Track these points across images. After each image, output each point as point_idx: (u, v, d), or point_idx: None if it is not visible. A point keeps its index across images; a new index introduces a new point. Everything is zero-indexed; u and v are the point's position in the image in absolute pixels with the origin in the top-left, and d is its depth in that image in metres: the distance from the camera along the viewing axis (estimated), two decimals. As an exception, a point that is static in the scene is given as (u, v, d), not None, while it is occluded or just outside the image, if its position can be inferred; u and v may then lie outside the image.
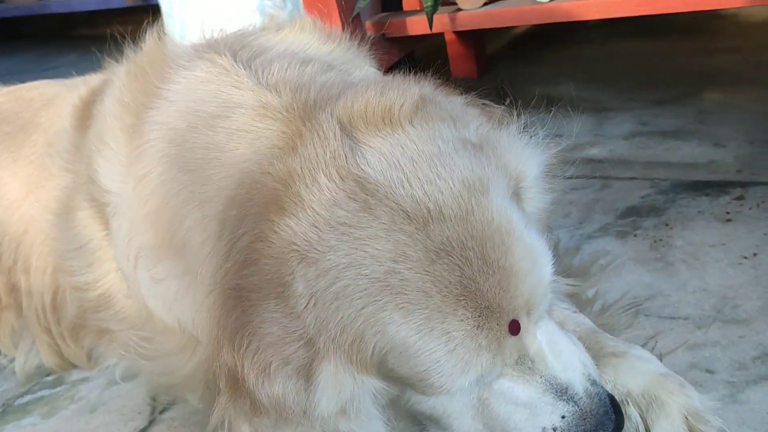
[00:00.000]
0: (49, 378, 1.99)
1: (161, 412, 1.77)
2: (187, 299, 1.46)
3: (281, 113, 1.29)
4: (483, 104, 1.57)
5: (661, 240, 2.15)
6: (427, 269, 1.10)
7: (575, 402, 1.20)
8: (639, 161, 2.68)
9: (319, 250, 1.12)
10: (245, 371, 1.17)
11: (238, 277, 1.20)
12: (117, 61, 1.87)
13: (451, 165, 1.16)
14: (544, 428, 1.20)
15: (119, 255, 1.62)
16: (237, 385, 1.20)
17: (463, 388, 1.19)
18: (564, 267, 1.83)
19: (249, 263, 1.18)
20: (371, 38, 1.95)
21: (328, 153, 1.16)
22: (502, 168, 1.24)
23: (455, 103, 1.37)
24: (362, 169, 1.14)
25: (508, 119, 1.44)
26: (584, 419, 1.19)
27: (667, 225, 2.23)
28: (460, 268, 1.10)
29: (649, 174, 2.56)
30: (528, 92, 3.58)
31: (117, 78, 1.70)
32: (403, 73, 1.43)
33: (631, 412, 1.34)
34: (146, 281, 1.55)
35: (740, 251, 2.03)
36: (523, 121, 1.41)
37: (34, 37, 8.02)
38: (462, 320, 1.11)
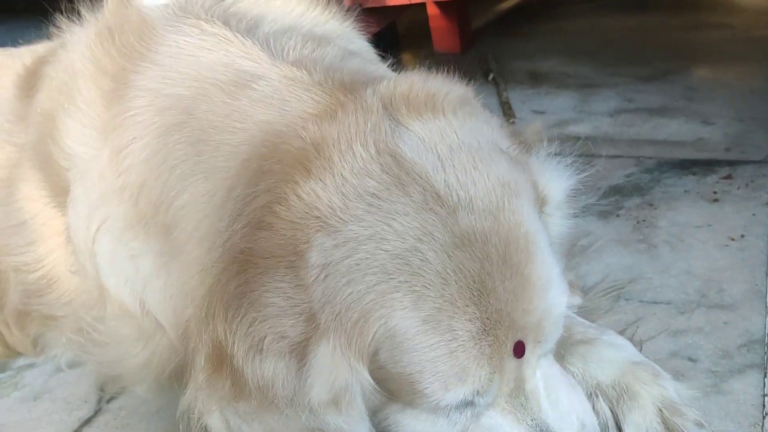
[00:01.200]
0: (-7, 364, 1.88)
1: (108, 402, 1.66)
2: (160, 281, 1.36)
3: (316, 87, 1.24)
4: (514, 130, 1.49)
5: (644, 220, 2.05)
6: (450, 254, 1.05)
7: None
8: (624, 139, 2.58)
9: (341, 219, 1.07)
10: (236, 345, 1.09)
11: (249, 239, 1.11)
12: (72, 23, 1.75)
13: (488, 161, 1.13)
14: None
15: (74, 225, 1.49)
16: (221, 362, 1.12)
17: (452, 405, 1.09)
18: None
19: (263, 226, 1.10)
20: (349, 9, 1.85)
21: (369, 125, 1.12)
22: (533, 185, 1.21)
23: (494, 117, 1.35)
24: (399, 146, 1.11)
25: (538, 145, 1.37)
26: None
27: (651, 205, 2.13)
28: (480, 261, 1.06)
29: (634, 152, 2.46)
30: (513, 68, 3.47)
31: (84, 39, 1.57)
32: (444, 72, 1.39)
33: (600, 407, 1.25)
34: (108, 256, 1.43)
35: (727, 232, 1.94)
36: (552, 148, 1.36)
37: None
38: (471, 320, 1.05)
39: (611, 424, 1.23)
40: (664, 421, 1.22)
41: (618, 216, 2.10)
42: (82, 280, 1.55)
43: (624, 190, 2.22)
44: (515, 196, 1.12)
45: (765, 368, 1.47)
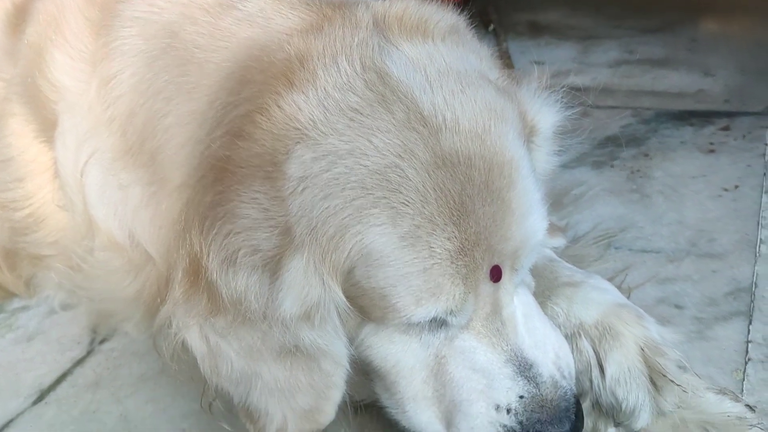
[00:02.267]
0: (-12, 307, 1.90)
1: (101, 343, 1.68)
2: (148, 211, 1.35)
3: (302, 5, 1.22)
4: (504, 64, 1.46)
5: (638, 171, 2.04)
6: (431, 173, 1.03)
7: (537, 385, 1.10)
8: (622, 90, 2.55)
9: (322, 132, 1.05)
10: (210, 257, 1.07)
11: (227, 148, 1.10)
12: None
13: (476, 86, 1.12)
14: (498, 406, 1.10)
15: (62, 158, 1.48)
16: (197, 276, 1.11)
17: (424, 324, 1.09)
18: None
19: (243, 135, 1.09)
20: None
21: (356, 40, 1.11)
22: (520, 115, 1.19)
23: (484, 48, 1.33)
24: (387, 64, 1.10)
25: (529, 78, 1.35)
26: (542, 407, 1.09)
27: (646, 155, 2.11)
28: (462, 183, 1.04)
29: (632, 103, 2.43)
30: (513, 19, 3.41)
31: None
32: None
33: (583, 345, 1.24)
34: (97, 189, 1.42)
35: (721, 183, 1.93)
36: (543, 82, 1.33)
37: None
38: (449, 239, 1.03)
39: (594, 362, 1.23)
40: (646, 361, 1.21)
41: (612, 166, 2.09)
42: (70, 216, 1.54)
43: (620, 141, 2.20)
44: (502, 121, 1.10)
45: (750, 316, 1.48)
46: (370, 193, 1.03)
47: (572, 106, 1.34)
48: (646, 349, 1.22)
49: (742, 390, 1.31)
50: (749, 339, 1.42)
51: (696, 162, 2.03)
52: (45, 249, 1.65)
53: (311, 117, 1.06)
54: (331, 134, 1.05)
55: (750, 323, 1.46)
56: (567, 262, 1.50)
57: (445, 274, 1.04)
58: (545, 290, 1.32)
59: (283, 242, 1.06)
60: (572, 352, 1.23)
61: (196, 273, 1.11)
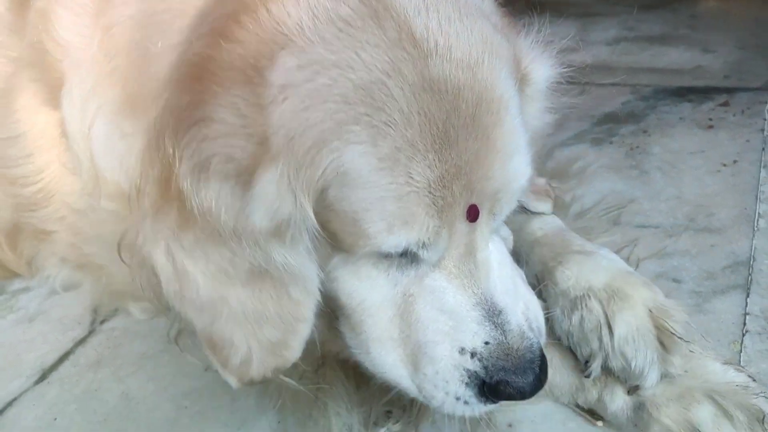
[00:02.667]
0: (-11, 288, 1.90)
1: (102, 323, 1.69)
2: None
3: None
4: (507, 12, 1.44)
5: (637, 147, 2.04)
6: (417, 95, 0.99)
7: (504, 332, 1.08)
8: (621, 67, 2.53)
9: (309, 39, 1.01)
10: (183, 163, 1.03)
11: (210, 46, 1.05)
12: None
13: (473, 18, 1.07)
14: (463, 349, 1.08)
15: (69, 115, 1.44)
16: (167, 185, 1.06)
17: (394, 256, 1.06)
18: (537, 171, 1.73)
19: (226, 35, 1.04)
20: None
21: None
22: (515, 59, 1.14)
23: None
24: None
25: (528, 31, 1.33)
26: (507, 356, 1.07)
27: (645, 132, 2.11)
28: (447, 112, 1.00)
29: (631, 80, 2.42)
30: (512, -4, 3.38)
31: None
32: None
33: (593, 306, 1.24)
34: (102, 141, 1.39)
35: (720, 159, 1.92)
36: (542, 35, 1.30)
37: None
38: (430, 167, 1.00)
39: (603, 321, 1.22)
40: (654, 321, 1.21)
41: (611, 143, 2.08)
42: (77, 180, 1.49)
43: (618, 118, 2.20)
44: (496, 57, 1.06)
45: (748, 289, 1.48)
46: (353, 108, 0.99)
47: (569, 65, 1.31)
48: (654, 311, 1.22)
49: (740, 361, 1.32)
50: (747, 311, 1.42)
51: (695, 138, 2.03)
52: (52, 225, 1.63)
53: (299, 23, 1.02)
54: (318, 43, 1.01)
55: (748, 296, 1.46)
56: (577, 234, 1.51)
57: (420, 204, 1.00)
58: (557, 256, 1.33)
59: (258, 152, 1.01)
60: (581, 313, 1.24)
61: (167, 182, 1.06)
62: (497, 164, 1.04)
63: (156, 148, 1.07)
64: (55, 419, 1.42)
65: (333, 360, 1.32)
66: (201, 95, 1.04)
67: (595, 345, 1.21)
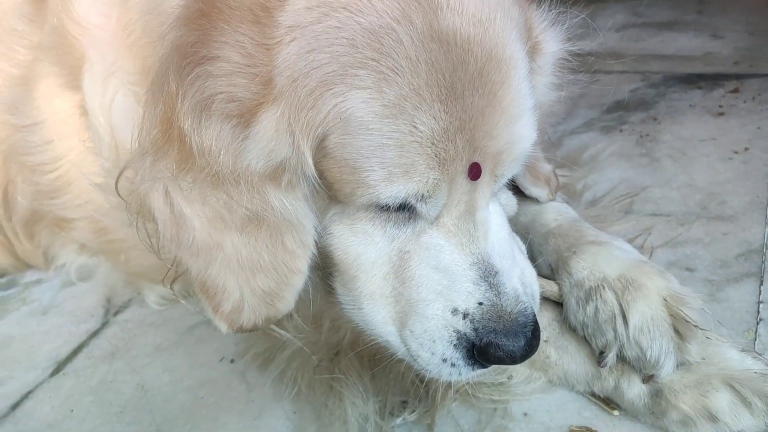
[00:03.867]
0: (2, 280, 1.90)
1: (115, 314, 1.70)
2: None
3: None
4: None
5: (648, 135, 2.03)
6: (426, 44, 0.98)
7: (498, 294, 1.06)
8: (630, 54, 2.51)
9: None
10: (185, 102, 1.02)
11: None
12: None
13: None
14: (455, 309, 1.06)
15: (90, 92, 1.44)
16: (169, 124, 1.05)
17: (393, 206, 1.04)
18: (546, 158, 1.73)
19: None
20: None
21: None
22: (526, 26, 1.14)
23: None
24: None
25: (541, 5, 1.32)
26: (500, 318, 1.05)
27: (655, 119, 2.10)
28: (455, 64, 0.99)
29: (640, 67, 2.41)
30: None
31: None
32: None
33: (607, 296, 1.23)
34: (122, 112, 1.39)
35: (731, 146, 1.91)
36: (554, 13, 1.30)
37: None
38: (434, 118, 0.98)
39: (617, 311, 1.22)
40: (669, 310, 1.21)
41: (621, 131, 2.07)
42: (98, 158, 1.49)
43: (628, 106, 2.19)
44: (508, 18, 1.06)
45: (762, 276, 1.48)
46: (360, 52, 0.98)
47: (578, 42, 1.30)
48: (668, 299, 1.21)
49: (754, 349, 1.32)
50: (761, 299, 1.42)
51: (705, 125, 2.02)
52: (72, 212, 1.64)
53: None
54: None
55: (761, 284, 1.46)
56: (589, 222, 1.51)
57: (422, 154, 0.99)
58: (571, 246, 1.33)
59: (261, 93, 1.01)
60: (596, 303, 1.23)
61: (168, 121, 1.05)
62: (502, 123, 1.03)
63: (159, 86, 1.06)
64: (72, 411, 1.43)
65: (348, 350, 1.32)
66: (208, 33, 1.02)
67: (610, 335, 1.21)
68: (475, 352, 1.06)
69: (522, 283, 1.11)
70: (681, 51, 2.49)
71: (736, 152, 1.88)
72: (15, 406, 1.46)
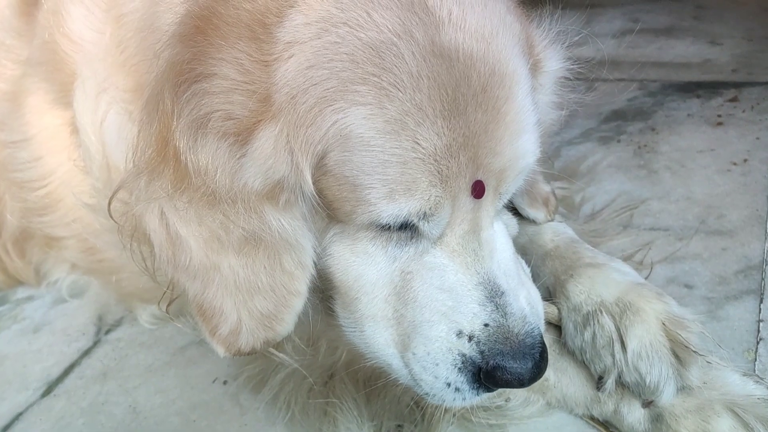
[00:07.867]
0: (-7, 297, 1.89)
1: (107, 333, 1.68)
2: None
3: None
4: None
5: (645, 145, 2.01)
6: (427, 60, 0.97)
7: (505, 315, 1.03)
8: (627, 61, 2.50)
9: None
10: (181, 120, 1.00)
11: (217, 1, 1.03)
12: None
13: None
14: (460, 332, 1.03)
15: (82, 108, 1.42)
16: (165, 143, 1.03)
17: (394, 226, 1.02)
18: (545, 177, 1.71)
19: None
20: None
21: None
22: (528, 43, 1.13)
23: None
24: None
25: (541, 23, 1.30)
26: (507, 339, 1.02)
27: (653, 129, 2.08)
28: (457, 80, 0.97)
29: (638, 75, 2.39)
30: (515, -12, 3.34)
31: None
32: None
33: (605, 321, 1.21)
34: (115, 129, 1.36)
35: (730, 157, 1.89)
36: (556, 28, 1.29)
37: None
38: (437, 134, 0.97)
39: (615, 337, 1.20)
40: (668, 334, 1.19)
41: (619, 141, 2.05)
42: (88, 178, 1.46)
43: (626, 115, 2.17)
44: (510, 34, 1.04)
45: (762, 294, 1.46)
46: (360, 68, 0.96)
47: (578, 61, 1.29)
48: (667, 323, 1.19)
49: (754, 370, 1.30)
50: (761, 318, 1.40)
51: (703, 135, 2.00)
52: (60, 230, 1.62)
53: None
54: (329, 1, 0.99)
55: (761, 302, 1.44)
56: (587, 237, 1.49)
57: (424, 171, 0.97)
58: (568, 269, 1.31)
59: (259, 110, 0.99)
60: (594, 329, 1.21)
61: (164, 140, 1.03)
62: (506, 139, 1.02)
63: (155, 104, 1.04)
64: (63, 434, 1.41)
65: (343, 373, 1.30)
66: (204, 50, 1.01)
67: (608, 361, 1.20)
68: (481, 376, 1.03)
69: (529, 303, 1.08)
70: (679, 58, 2.48)
71: (734, 164, 1.86)
72: (5, 428, 1.44)
